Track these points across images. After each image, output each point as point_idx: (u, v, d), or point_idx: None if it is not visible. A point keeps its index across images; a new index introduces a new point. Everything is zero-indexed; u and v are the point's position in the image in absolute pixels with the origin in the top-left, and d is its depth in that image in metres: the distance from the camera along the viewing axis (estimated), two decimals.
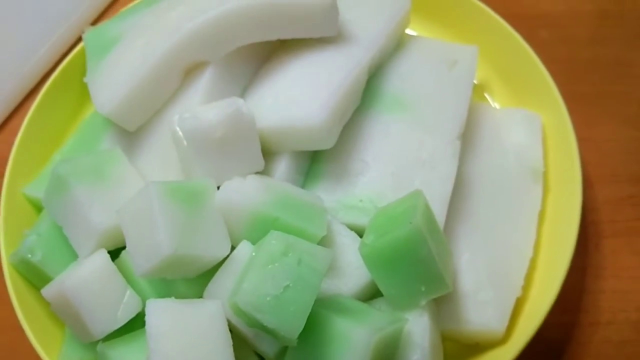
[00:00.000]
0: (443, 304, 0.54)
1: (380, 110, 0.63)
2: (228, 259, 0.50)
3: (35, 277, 0.58)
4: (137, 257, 0.48)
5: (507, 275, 0.57)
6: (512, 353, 0.53)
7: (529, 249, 0.59)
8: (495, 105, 0.72)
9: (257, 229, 0.50)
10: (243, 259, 0.49)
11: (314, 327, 0.46)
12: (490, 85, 0.73)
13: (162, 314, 0.45)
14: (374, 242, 0.49)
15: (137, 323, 0.50)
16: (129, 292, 0.51)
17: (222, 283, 0.50)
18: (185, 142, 0.53)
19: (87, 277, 0.50)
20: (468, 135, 0.64)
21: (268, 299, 0.44)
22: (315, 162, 0.61)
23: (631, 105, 0.74)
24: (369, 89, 0.63)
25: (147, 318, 0.45)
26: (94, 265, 0.51)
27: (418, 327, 0.49)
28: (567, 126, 0.63)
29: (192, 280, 0.51)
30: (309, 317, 0.45)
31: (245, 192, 0.52)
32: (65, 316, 0.53)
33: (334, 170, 0.60)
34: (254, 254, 0.47)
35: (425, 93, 0.64)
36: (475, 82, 0.68)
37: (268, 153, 0.58)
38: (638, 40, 0.79)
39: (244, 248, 0.51)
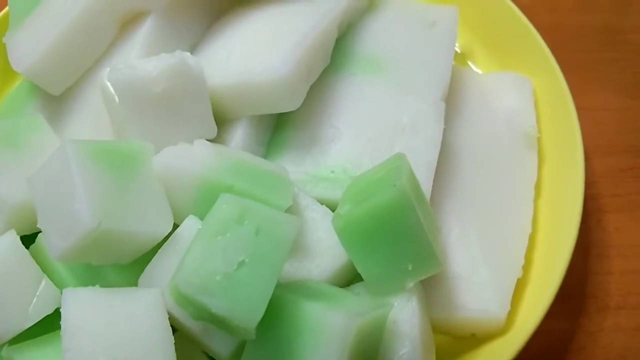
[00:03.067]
0: (432, 289, 0.46)
1: (352, 71, 0.55)
2: (170, 238, 0.41)
3: None
4: (52, 235, 0.38)
5: (505, 254, 0.49)
6: (515, 346, 0.44)
7: (527, 224, 0.51)
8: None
9: (207, 201, 0.41)
10: (189, 238, 0.40)
11: (277, 315, 0.36)
12: (472, 52, 0.66)
13: (82, 305, 0.36)
14: (351, 212, 0.40)
15: (54, 322, 0.40)
16: (45, 282, 0.41)
17: (163, 267, 0.40)
18: (117, 99, 0.44)
19: None
20: (453, 102, 0.57)
21: (217, 278, 0.34)
22: (279, 130, 0.53)
23: (624, 73, 0.68)
24: (339, 50, 0.56)
25: (62, 310, 0.36)
26: (0, 248, 0.40)
27: (405, 314, 0.41)
28: (563, 90, 0.56)
29: (126, 266, 0.42)
30: (270, 302, 0.35)
31: (191, 157, 0.43)
32: None
33: (300, 138, 0.52)
34: (200, 227, 0.38)
35: (403, 53, 0.57)
36: (456, 49, 0.61)
37: (222, 119, 0.50)
38: (628, 5, 0.73)
39: (191, 224, 0.41)
